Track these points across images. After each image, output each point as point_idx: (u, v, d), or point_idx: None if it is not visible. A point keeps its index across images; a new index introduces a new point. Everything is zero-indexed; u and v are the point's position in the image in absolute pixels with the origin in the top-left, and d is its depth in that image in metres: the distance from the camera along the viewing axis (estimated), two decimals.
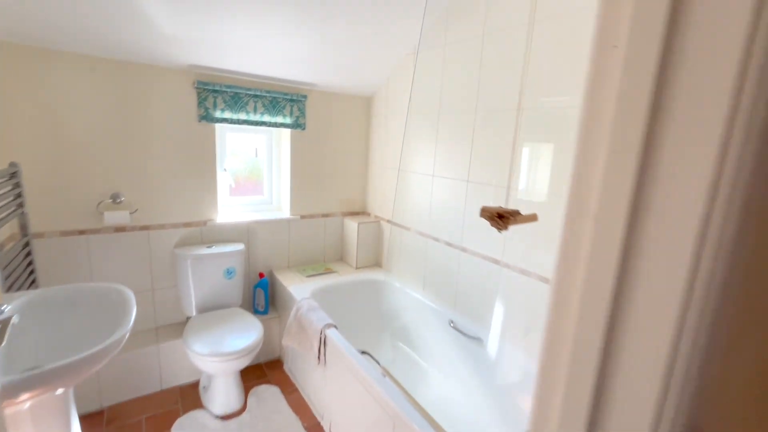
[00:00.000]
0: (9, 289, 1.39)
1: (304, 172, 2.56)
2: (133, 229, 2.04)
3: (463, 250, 2.02)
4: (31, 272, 1.68)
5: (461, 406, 1.92)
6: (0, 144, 1.65)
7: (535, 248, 1.66)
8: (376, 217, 2.76)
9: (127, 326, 1.15)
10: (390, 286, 2.49)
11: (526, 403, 1.73)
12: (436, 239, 2.20)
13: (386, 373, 1.57)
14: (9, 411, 0.95)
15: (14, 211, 1.55)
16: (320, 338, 1.83)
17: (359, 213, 2.87)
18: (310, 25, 1.87)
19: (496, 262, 1.84)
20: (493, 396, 1.83)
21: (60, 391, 1.11)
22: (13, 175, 1.57)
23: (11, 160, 1.61)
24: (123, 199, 1.97)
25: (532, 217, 0.69)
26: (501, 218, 0.70)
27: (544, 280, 1.63)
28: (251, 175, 2.57)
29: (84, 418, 1.87)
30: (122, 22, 1.63)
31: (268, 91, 2.27)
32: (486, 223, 1.91)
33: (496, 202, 1.80)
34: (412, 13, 1.97)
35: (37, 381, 0.94)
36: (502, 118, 1.76)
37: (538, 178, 1.64)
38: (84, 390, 1.87)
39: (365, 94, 2.68)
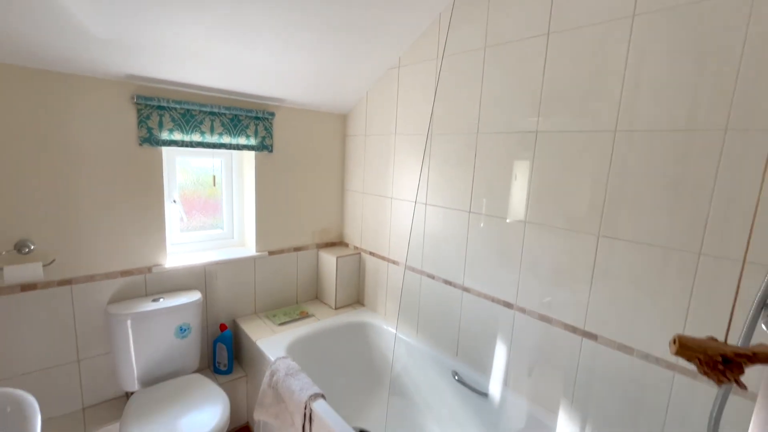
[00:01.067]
0: None
1: (272, 201, 2.19)
2: (49, 285, 1.56)
3: (466, 290, 1.77)
4: None
5: None
6: None
7: (559, 289, 1.44)
8: (355, 248, 2.44)
9: None
10: (378, 329, 2.17)
11: None
12: (432, 276, 1.92)
13: None
14: None
15: None
16: (304, 413, 1.47)
17: (336, 244, 2.54)
18: (278, 30, 1.55)
19: (508, 305, 1.60)
20: None
21: None
22: None
23: None
24: (33, 247, 1.50)
25: None
26: (728, 364, 0.42)
27: (570, 328, 1.41)
28: (209, 194, 2.14)
29: None
30: (34, 18, 1.21)
31: (228, 108, 1.89)
32: (495, 258, 1.71)
33: (514, 239, 1.56)
34: (402, 19, 1.72)
35: None
36: (514, 141, 1.54)
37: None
38: None
39: (340, 111, 2.38)
